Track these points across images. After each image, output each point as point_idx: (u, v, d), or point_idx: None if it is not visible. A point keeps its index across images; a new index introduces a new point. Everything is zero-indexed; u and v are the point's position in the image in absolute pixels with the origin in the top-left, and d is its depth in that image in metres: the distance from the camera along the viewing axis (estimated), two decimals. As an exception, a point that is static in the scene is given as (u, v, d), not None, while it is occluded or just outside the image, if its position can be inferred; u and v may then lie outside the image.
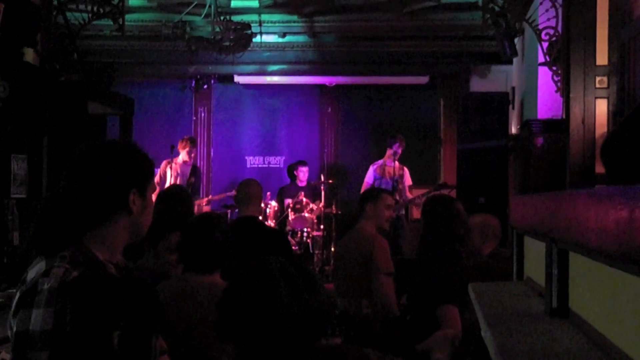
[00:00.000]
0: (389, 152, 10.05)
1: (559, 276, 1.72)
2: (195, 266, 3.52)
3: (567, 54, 5.83)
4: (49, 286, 2.02)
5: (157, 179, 9.70)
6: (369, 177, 10.21)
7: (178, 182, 9.74)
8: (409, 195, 10.01)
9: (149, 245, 4.02)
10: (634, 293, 1.13)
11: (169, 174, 9.79)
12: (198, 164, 11.56)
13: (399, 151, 9.99)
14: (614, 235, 1.14)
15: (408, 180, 10.17)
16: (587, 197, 1.38)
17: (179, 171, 9.89)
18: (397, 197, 9.84)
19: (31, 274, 2.10)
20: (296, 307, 2.04)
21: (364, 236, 5.28)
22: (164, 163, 9.87)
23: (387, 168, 10.04)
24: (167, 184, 9.65)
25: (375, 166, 10.23)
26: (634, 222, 1.04)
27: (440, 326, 4.34)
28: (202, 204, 10.25)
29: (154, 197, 2.56)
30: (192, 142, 10.20)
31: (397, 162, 10.10)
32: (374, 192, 5.60)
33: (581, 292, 1.61)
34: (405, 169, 10.19)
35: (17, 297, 2.08)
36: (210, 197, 10.70)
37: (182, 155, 10.01)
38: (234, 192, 10.18)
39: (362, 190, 10.21)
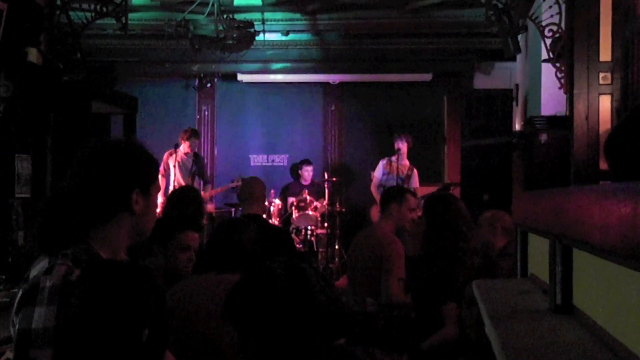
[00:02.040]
0: (395, 149, 10.08)
1: (562, 273, 1.72)
2: (219, 266, 3.55)
3: (571, 50, 5.83)
4: (51, 284, 2.02)
5: (161, 171, 9.69)
6: (378, 172, 10.26)
7: (181, 173, 9.74)
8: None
9: (159, 244, 4.04)
10: (638, 289, 1.13)
11: (171, 165, 9.79)
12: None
13: (402, 148, 10.00)
14: (617, 232, 1.14)
15: (415, 182, 10.15)
16: (591, 193, 1.38)
17: (181, 162, 9.89)
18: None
19: (33, 272, 2.10)
20: (328, 306, 2.04)
21: (379, 236, 5.20)
22: (166, 155, 9.85)
23: (392, 164, 10.06)
24: (171, 176, 9.66)
25: (384, 161, 10.26)
26: (637, 218, 1.03)
27: (445, 324, 4.35)
28: (205, 198, 10.18)
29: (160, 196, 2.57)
30: (194, 133, 10.19)
31: (407, 162, 10.12)
32: (399, 193, 5.47)
33: (585, 289, 1.61)
34: (415, 170, 10.18)
35: (19, 295, 2.08)
36: (210, 191, 10.61)
37: (183, 147, 10.01)
38: (235, 184, 10.23)
39: (373, 184, 10.28)
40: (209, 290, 3.41)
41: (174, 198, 5.31)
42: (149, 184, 2.30)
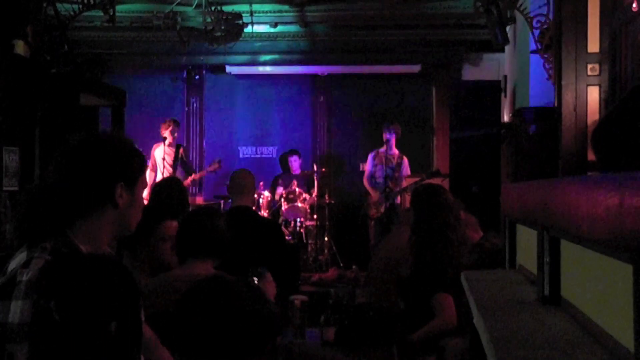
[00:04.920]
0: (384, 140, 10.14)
1: (550, 264, 1.72)
2: (193, 253, 3.57)
3: (559, 41, 5.83)
4: (28, 277, 2.01)
5: (149, 165, 9.71)
6: (369, 164, 10.37)
7: (167, 164, 9.75)
8: (404, 184, 10.05)
9: (142, 236, 4.03)
10: (623, 280, 1.13)
11: (159, 158, 9.81)
12: (190, 154, 11.54)
13: (391, 140, 10.06)
14: (604, 223, 1.14)
15: (406, 170, 10.22)
16: (578, 184, 1.39)
17: (166, 153, 9.90)
18: (392, 186, 9.90)
19: (12, 265, 2.09)
20: (256, 314, 2.13)
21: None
22: (153, 147, 9.90)
23: (380, 155, 10.12)
24: (159, 169, 9.68)
25: (373, 153, 10.34)
26: (623, 210, 1.04)
27: (435, 315, 4.36)
28: (187, 184, 10.09)
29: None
30: (175, 123, 10.20)
31: (396, 151, 10.18)
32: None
33: (573, 280, 1.62)
34: (405, 158, 10.24)
35: None
36: (192, 176, 10.45)
37: (167, 137, 10.03)
38: (212, 167, 10.23)
39: (365, 177, 10.33)
40: (173, 288, 3.41)
41: (157, 189, 5.31)
42: (134, 178, 2.28)
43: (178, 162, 9.96)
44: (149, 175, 9.46)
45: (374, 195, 10.14)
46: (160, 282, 3.54)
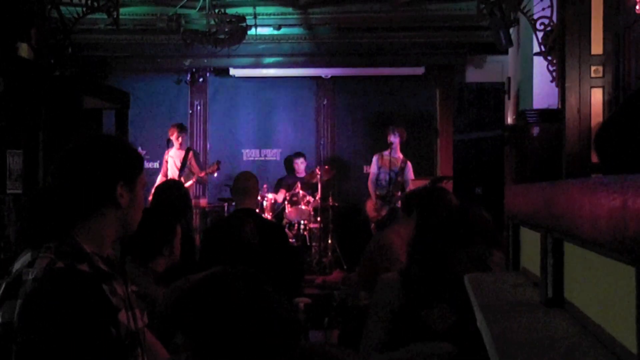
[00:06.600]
0: (388, 142, 10.15)
1: (554, 266, 1.72)
2: (216, 263, 3.57)
3: (562, 43, 5.83)
4: (32, 276, 2.03)
5: (163, 170, 9.78)
6: (373, 167, 10.39)
7: (175, 169, 9.76)
8: (409, 189, 10.04)
9: (166, 243, 4.02)
10: (627, 282, 1.13)
11: (170, 163, 9.83)
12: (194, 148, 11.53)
13: (395, 142, 10.07)
14: (607, 225, 1.14)
15: (410, 174, 10.21)
16: (581, 186, 1.38)
17: (175, 158, 9.92)
18: (394, 190, 9.90)
19: (17, 265, 2.12)
20: (281, 310, 2.04)
21: (388, 245, 4.82)
22: (166, 152, 9.92)
23: (385, 158, 10.12)
24: (170, 173, 9.70)
25: (377, 156, 10.34)
26: (626, 212, 1.04)
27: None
28: (188, 186, 10.03)
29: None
30: (179, 128, 10.18)
31: (400, 154, 10.18)
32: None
33: (576, 282, 1.62)
34: (409, 162, 10.23)
35: (2, 288, 2.09)
36: (193, 179, 10.33)
37: (176, 143, 10.03)
38: (213, 168, 10.20)
39: (370, 180, 10.32)
40: None
41: (158, 192, 5.32)
42: (134, 178, 2.30)
43: (186, 166, 9.95)
44: (159, 180, 9.45)
45: (374, 198, 10.15)
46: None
